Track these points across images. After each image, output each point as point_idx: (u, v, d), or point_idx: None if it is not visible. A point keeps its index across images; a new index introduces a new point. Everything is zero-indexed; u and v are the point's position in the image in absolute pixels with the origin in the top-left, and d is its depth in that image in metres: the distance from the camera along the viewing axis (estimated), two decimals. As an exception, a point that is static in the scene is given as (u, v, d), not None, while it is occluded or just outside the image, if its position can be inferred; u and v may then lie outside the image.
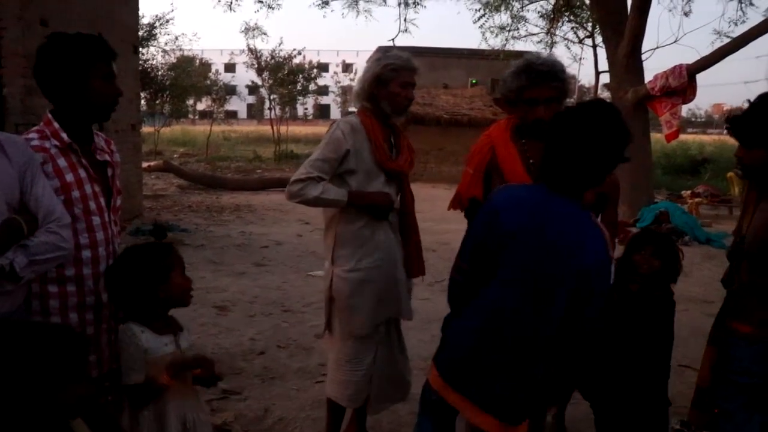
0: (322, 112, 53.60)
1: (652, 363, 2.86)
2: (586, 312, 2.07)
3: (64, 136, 2.20)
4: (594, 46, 20.16)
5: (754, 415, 2.48)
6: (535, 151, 2.76)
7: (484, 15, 16.87)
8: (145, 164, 15.05)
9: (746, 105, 2.52)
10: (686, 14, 15.29)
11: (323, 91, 38.31)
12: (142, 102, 24.26)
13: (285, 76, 28.34)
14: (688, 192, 14.72)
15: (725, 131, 2.58)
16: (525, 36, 17.68)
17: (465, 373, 2.18)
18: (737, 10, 13.78)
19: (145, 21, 23.38)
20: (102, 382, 2.29)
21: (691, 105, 15.17)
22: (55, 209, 2.06)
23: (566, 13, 17.36)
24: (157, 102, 27.48)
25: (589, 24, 18.24)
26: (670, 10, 17.06)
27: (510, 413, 2.13)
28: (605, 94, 19.55)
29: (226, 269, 7.61)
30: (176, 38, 26.15)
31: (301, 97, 31.09)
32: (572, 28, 18.85)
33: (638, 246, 2.94)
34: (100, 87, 2.23)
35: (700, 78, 11.13)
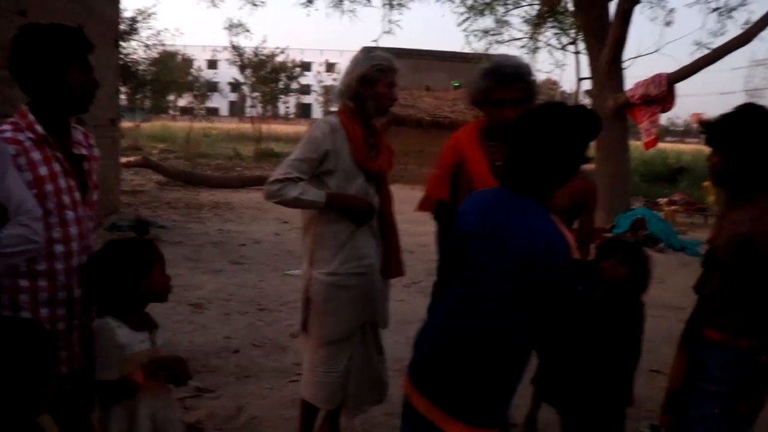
0: (304, 111, 53.54)
1: (611, 370, 2.84)
2: (547, 311, 2.03)
3: (39, 128, 2.17)
4: (576, 53, 20.32)
5: (723, 421, 2.51)
6: (502, 153, 2.79)
7: (468, 18, 16.93)
8: (123, 159, 14.91)
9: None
10: (667, 24, 15.50)
11: (306, 90, 38.32)
12: (122, 96, 24.06)
13: (267, 74, 28.30)
14: (665, 199, 14.89)
15: (702, 140, 2.61)
16: (508, 40, 17.76)
17: (429, 376, 2.17)
18: (717, 23, 13.96)
19: (127, 14, 23.23)
20: (72, 378, 2.26)
21: (669, 114, 15.37)
22: (27, 202, 2.03)
23: (550, 19, 17.48)
24: (138, 97, 27.27)
25: (572, 30, 18.37)
26: (652, 20, 17.28)
27: (477, 417, 2.09)
28: (587, 101, 19.71)
29: (203, 267, 7.56)
30: (158, 33, 25.89)
31: (283, 96, 31.04)
32: (555, 34, 18.97)
33: (606, 253, 2.95)
34: (76, 79, 2.20)
35: (680, 88, 11.28)
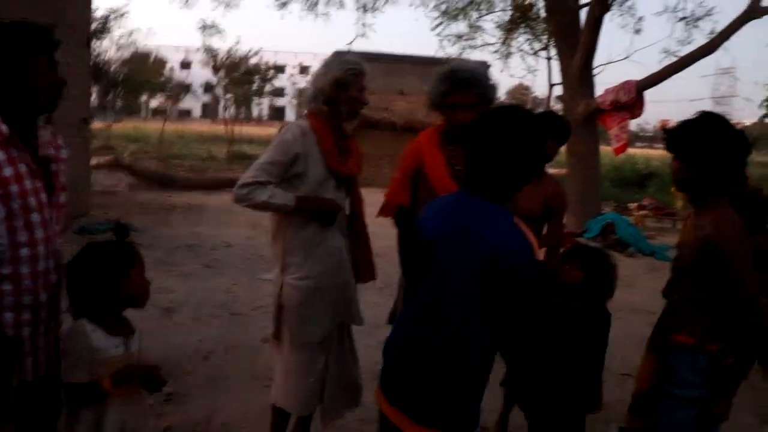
0: (278, 113, 53.31)
1: (573, 375, 2.84)
2: (513, 313, 2.00)
3: (4, 128, 2.12)
4: (548, 58, 20.53)
5: (694, 423, 2.55)
6: (462, 157, 2.82)
7: (441, 23, 17.04)
8: (94, 161, 14.71)
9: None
10: (637, 32, 15.77)
11: (279, 92, 38.17)
12: (94, 97, 23.72)
13: (241, 76, 28.12)
14: (635, 204, 15.10)
15: (664, 146, 2.65)
16: (481, 45, 17.90)
17: (396, 384, 2.17)
18: (684, 32, 14.22)
19: (98, 14, 22.92)
20: (38, 386, 2.22)
21: (639, 120, 15.61)
22: None
23: (522, 25, 17.64)
24: (110, 97, 26.92)
25: (544, 36, 18.57)
26: (622, 27, 17.54)
27: (444, 424, 2.08)
28: (558, 106, 19.91)
29: (175, 270, 7.49)
30: (131, 33, 25.64)
31: (256, 98, 30.88)
32: (527, 39, 19.16)
33: (567, 258, 2.97)
34: (42, 78, 2.15)
35: (649, 94, 11.48)
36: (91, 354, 2.13)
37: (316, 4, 15.15)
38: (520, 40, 18.95)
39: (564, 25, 12.28)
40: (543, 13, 15.20)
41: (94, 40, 19.37)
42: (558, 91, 15.91)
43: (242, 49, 28.32)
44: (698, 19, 13.89)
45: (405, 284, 2.36)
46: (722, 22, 11.29)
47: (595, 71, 12.37)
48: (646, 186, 21.50)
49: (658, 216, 14.29)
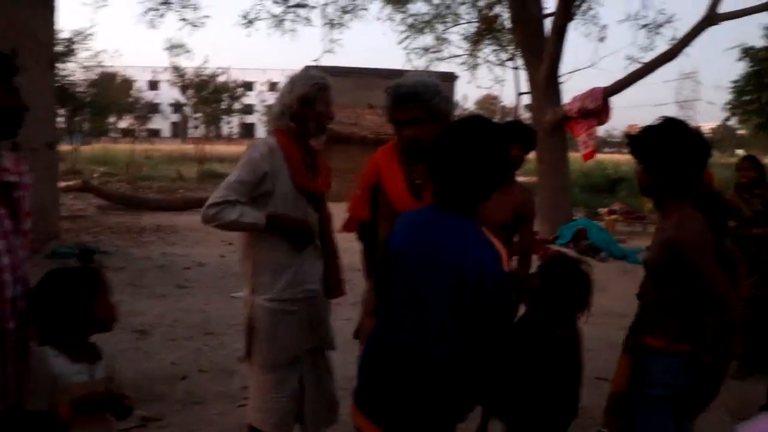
0: (247, 131, 53.10)
1: (547, 387, 2.82)
2: (477, 326, 2.01)
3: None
4: (515, 68, 20.77)
5: (671, 423, 2.58)
6: (422, 172, 2.83)
7: (408, 37, 17.15)
8: (62, 184, 14.50)
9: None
10: (601, 40, 16.01)
11: (249, 110, 38.05)
12: (60, 119, 23.44)
13: (209, 95, 28.00)
14: (605, 209, 15.29)
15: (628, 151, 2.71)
16: (448, 57, 18.04)
17: (368, 395, 2.17)
18: (647, 38, 14.49)
19: (63, 35, 22.69)
20: (5, 416, 2.17)
21: (607, 126, 15.80)
22: None
23: (488, 36, 17.83)
24: (77, 119, 26.63)
25: (511, 47, 18.78)
26: (586, 36, 17.82)
27: None
28: (526, 115, 20.15)
29: (147, 292, 7.40)
30: (97, 54, 25.36)
31: (225, 116, 30.76)
32: (494, 50, 19.36)
33: (543, 270, 2.93)
34: (1, 103, 2.13)
35: (615, 100, 11.67)
36: (51, 381, 2.08)
37: (282, 21, 15.15)
38: (487, 51, 19.15)
39: (529, 36, 12.45)
40: (508, 24, 15.38)
41: (59, 62, 19.15)
42: (526, 100, 16.12)
43: (210, 67, 28.22)
44: (660, 26, 14.18)
45: (375, 298, 2.35)
46: (683, 29, 11.55)
47: (561, 79, 12.57)
48: (616, 191, 21.77)
49: (629, 220, 14.49)
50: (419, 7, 16.59)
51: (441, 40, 17.36)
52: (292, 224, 2.94)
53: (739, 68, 19.22)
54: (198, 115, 28.52)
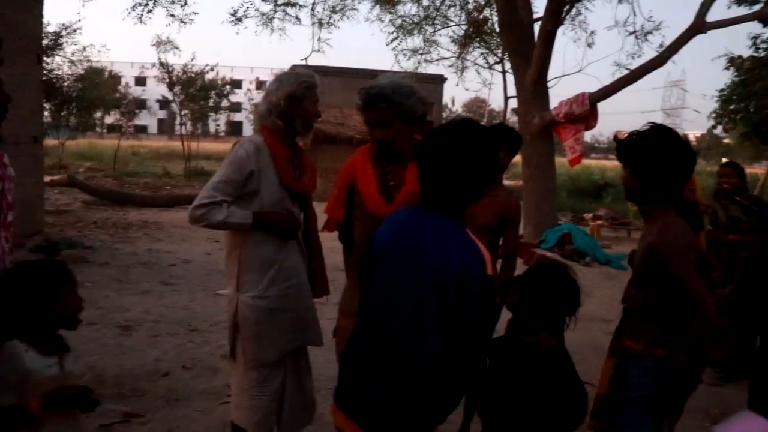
0: (235, 129, 52.87)
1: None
2: (459, 328, 2.01)
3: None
4: (503, 72, 20.84)
5: (648, 426, 2.61)
6: (397, 174, 2.85)
7: (397, 38, 17.17)
8: (47, 178, 14.42)
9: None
10: (589, 45, 16.12)
11: (236, 107, 37.84)
12: (46, 113, 23.23)
13: (197, 92, 27.82)
14: (590, 215, 15.39)
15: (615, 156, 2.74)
16: (437, 60, 18.08)
17: (349, 395, 2.18)
18: (635, 45, 14.60)
19: (50, 29, 22.50)
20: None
21: (594, 131, 15.97)
22: None
23: (476, 40, 17.89)
24: (63, 114, 26.40)
25: (499, 50, 18.86)
26: (574, 41, 17.95)
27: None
28: (514, 119, 20.23)
29: (132, 288, 7.37)
30: (84, 49, 25.11)
31: (213, 113, 30.57)
32: (482, 54, 19.44)
33: (528, 275, 2.86)
34: None
35: (603, 106, 11.78)
36: (21, 375, 2.06)
37: (271, 19, 15.11)
38: (475, 54, 19.23)
39: (517, 40, 12.51)
40: (497, 28, 15.44)
41: (46, 56, 19.01)
42: (514, 103, 16.20)
43: (198, 64, 28.02)
44: (648, 33, 14.27)
45: (351, 297, 2.35)
46: (670, 37, 11.65)
47: (549, 84, 12.63)
48: (601, 196, 21.93)
49: (614, 226, 14.59)
50: (408, 9, 16.64)
51: (429, 42, 17.40)
52: (277, 218, 2.95)
53: (725, 77, 19.44)
54: (185, 112, 28.30)
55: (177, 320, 6.13)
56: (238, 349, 3.02)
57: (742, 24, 11.47)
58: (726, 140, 34.71)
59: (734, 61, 16.64)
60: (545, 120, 11.99)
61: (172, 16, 14.38)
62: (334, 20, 15.79)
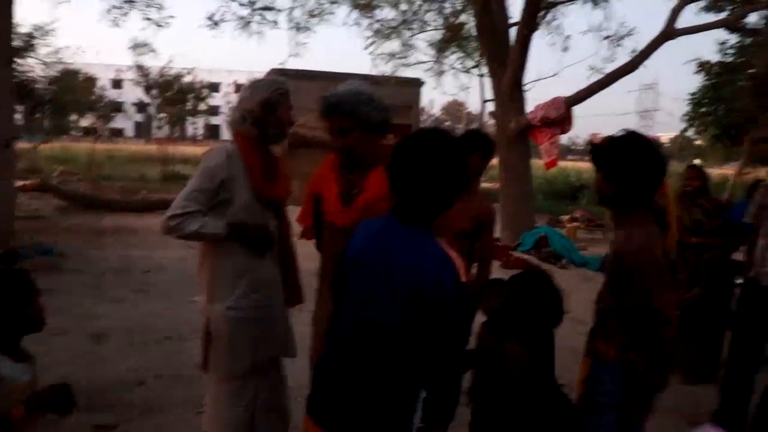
0: (213, 132, 52.61)
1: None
2: (436, 336, 2.01)
3: None
4: (481, 76, 20.96)
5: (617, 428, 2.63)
6: (360, 181, 2.86)
7: (374, 42, 17.18)
8: (19, 183, 14.19)
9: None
10: (565, 50, 16.27)
11: (214, 111, 37.70)
12: (19, 116, 22.90)
13: (174, 95, 27.63)
14: (567, 217, 15.51)
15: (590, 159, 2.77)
16: (415, 63, 18.11)
17: (320, 404, 2.17)
18: (609, 50, 14.77)
19: (22, 30, 22.16)
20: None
21: (570, 133, 16.08)
22: None
23: (454, 44, 17.96)
24: (36, 117, 26.04)
25: (476, 55, 18.94)
26: (550, 45, 18.06)
27: None
28: (492, 122, 20.31)
29: (105, 295, 7.29)
30: (58, 51, 24.79)
31: (191, 117, 30.39)
32: (459, 58, 19.51)
33: (511, 283, 2.94)
34: None
35: (579, 109, 11.88)
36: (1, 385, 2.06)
37: (248, 23, 15.03)
38: (453, 58, 19.29)
39: (494, 44, 12.57)
40: (474, 32, 15.51)
41: (18, 58, 18.72)
42: (491, 107, 16.27)
43: (175, 67, 27.83)
44: (621, 38, 14.47)
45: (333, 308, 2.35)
46: (643, 42, 11.80)
47: (525, 88, 12.70)
48: (578, 198, 22.10)
49: (590, 227, 14.71)
50: (386, 13, 16.63)
51: (407, 46, 17.42)
52: (252, 231, 2.93)
53: (696, 81, 19.73)
54: (162, 115, 28.10)
55: (151, 328, 6.06)
56: (211, 360, 2.99)
57: (711, 30, 11.69)
58: (698, 142, 35.20)
59: (704, 66, 16.94)
60: (521, 124, 12.06)
61: (148, 19, 14.26)
62: (312, 24, 15.74)
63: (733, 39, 16.48)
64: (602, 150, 2.68)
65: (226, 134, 50.68)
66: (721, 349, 5.26)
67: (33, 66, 23.98)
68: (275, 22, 15.23)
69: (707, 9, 14.32)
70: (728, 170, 25.98)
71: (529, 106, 12.47)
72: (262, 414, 3.06)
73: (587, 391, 2.77)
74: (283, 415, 3.18)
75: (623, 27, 14.60)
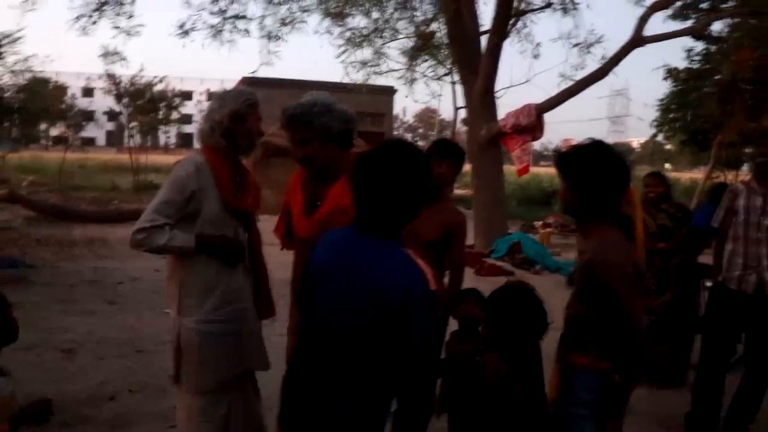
0: (185, 141, 52.19)
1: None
2: (402, 349, 2.00)
3: None
4: (453, 83, 21.04)
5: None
6: (325, 193, 2.85)
7: (346, 50, 17.17)
8: (-14, 194, 13.97)
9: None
10: (535, 57, 16.40)
11: (187, 119, 37.37)
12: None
13: (146, 104, 27.32)
14: (540, 222, 15.64)
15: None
16: (386, 71, 18.13)
17: (291, 417, 2.16)
18: (578, 57, 14.92)
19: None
20: None
21: (543, 139, 16.25)
22: None
23: (425, 52, 18.02)
24: (5, 125, 25.61)
25: (448, 62, 19.03)
26: (521, 53, 18.23)
27: None
28: (464, 129, 20.43)
29: (75, 308, 7.18)
30: (26, 59, 24.39)
31: (163, 126, 30.07)
32: (431, 66, 19.57)
33: (494, 297, 2.96)
34: None
35: (551, 115, 12.05)
36: None
37: (220, 32, 14.94)
38: (424, 66, 19.35)
39: (465, 52, 12.67)
40: (445, 41, 15.60)
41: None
42: (464, 113, 16.36)
43: (146, 76, 27.51)
44: (590, 45, 14.59)
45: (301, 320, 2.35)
46: (612, 49, 11.99)
47: (497, 95, 12.82)
48: (551, 204, 22.28)
49: (563, 233, 14.85)
50: (357, 22, 16.64)
51: (379, 54, 17.44)
52: (221, 243, 2.91)
53: (665, 86, 20.06)
54: (134, 124, 27.76)
55: (123, 341, 5.99)
56: (184, 374, 2.97)
57: (677, 38, 11.93)
58: (668, 146, 35.76)
59: (672, 72, 17.23)
60: (492, 131, 12.16)
61: (117, 28, 14.11)
62: (283, 33, 15.69)
63: (699, 46, 16.83)
64: (566, 159, 2.70)
65: (198, 143, 50.25)
66: (691, 352, 5.35)
67: (0, 74, 23.64)
68: (247, 31, 15.15)
69: (674, 17, 14.62)
70: (697, 174, 26.41)
71: (501, 113, 12.59)
72: (237, 427, 3.04)
73: (561, 400, 2.78)
74: (256, 429, 3.16)
75: (592, 35, 14.76)
